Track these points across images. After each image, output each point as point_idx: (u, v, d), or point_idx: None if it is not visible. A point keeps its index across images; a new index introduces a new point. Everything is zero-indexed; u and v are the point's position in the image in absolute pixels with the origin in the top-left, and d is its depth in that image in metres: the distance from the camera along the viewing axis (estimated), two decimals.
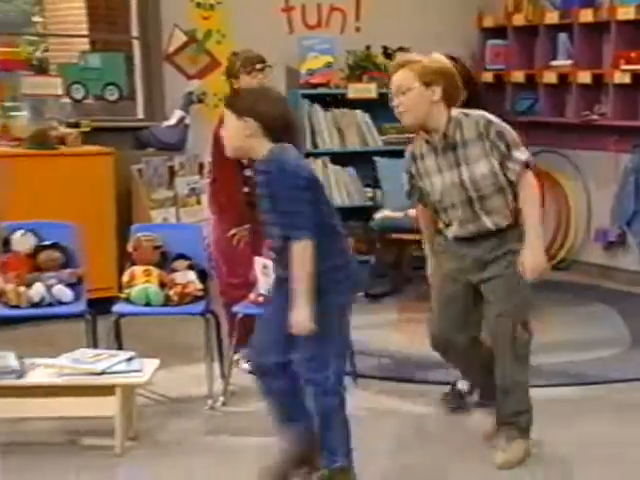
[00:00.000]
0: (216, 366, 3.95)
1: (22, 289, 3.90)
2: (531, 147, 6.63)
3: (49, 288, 3.94)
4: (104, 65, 5.70)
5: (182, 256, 4.05)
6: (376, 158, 6.01)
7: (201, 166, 5.83)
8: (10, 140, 5.19)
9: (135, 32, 5.95)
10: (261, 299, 3.86)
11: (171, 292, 3.91)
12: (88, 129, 5.40)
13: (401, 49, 6.29)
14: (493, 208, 3.10)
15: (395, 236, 5.63)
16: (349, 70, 6.27)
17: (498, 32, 6.63)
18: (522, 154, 3.06)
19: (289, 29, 6.23)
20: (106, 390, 3.28)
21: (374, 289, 5.51)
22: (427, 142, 3.13)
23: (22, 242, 4.03)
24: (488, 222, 3.11)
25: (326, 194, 2.91)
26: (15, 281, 3.91)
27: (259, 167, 2.83)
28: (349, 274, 2.87)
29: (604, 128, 5.99)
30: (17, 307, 3.88)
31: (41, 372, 3.36)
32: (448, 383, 3.83)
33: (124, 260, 4.19)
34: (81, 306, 3.93)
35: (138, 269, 3.98)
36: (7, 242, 4.03)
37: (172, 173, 5.67)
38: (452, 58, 3.30)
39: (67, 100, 5.55)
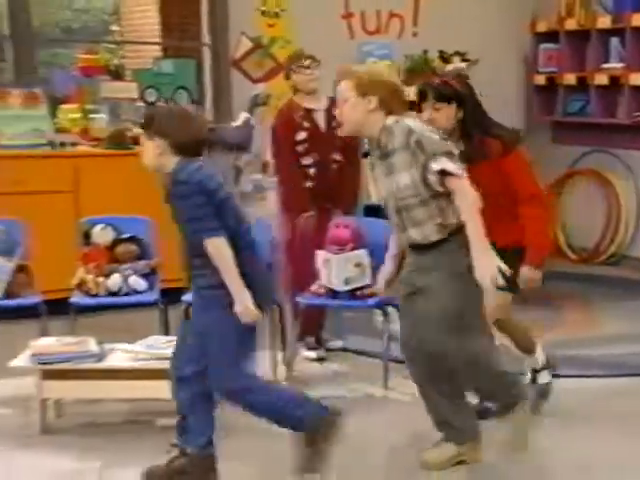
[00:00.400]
0: (280, 353, 4.00)
1: (101, 279, 3.99)
2: (582, 147, 6.62)
3: (126, 278, 4.02)
4: (176, 70, 5.79)
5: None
6: None
7: (265, 165, 5.89)
8: (90, 140, 5.30)
9: (206, 39, 6.04)
10: (322, 290, 3.90)
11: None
12: None
13: (457, 53, 6.29)
14: (418, 220, 2.91)
15: None
16: (406, 74, 6.25)
17: (551, 36, 6.55)
18: (440, 164, 2.80)
19: (349, 35, 6.24)
20: None
21: None
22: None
23: (101, 235, 4.12)
24: (414, 234, 2.93)
25: (233, 206, 2.88)
26: (95, 272, 4.01)
27: (166, 183, 2.87)
28: (253, 283, 2.83)
29: None
30: (96, 296, 3.98)
31: (119, 356, 3.42)
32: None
33: None
34: (155, 295, 4.01)
35: None
36: (88, 235, 4.13)
37: (238, 171, 5.73)
38: (458, 77, 3.33)
39: (141, 103, 5.65)
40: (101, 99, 5.46)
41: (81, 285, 3.97)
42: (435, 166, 2.80)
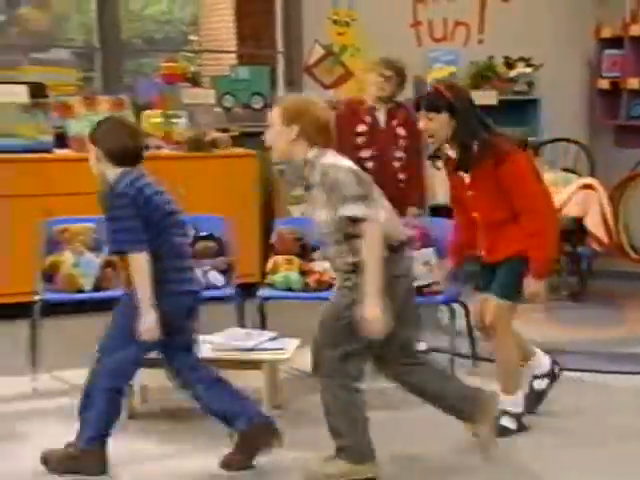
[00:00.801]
0: None
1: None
2: None
3: (205, 274, 4.07)
4: (252, 77, 5.84)
5: (319, 247, 4.11)
6: None
7: None
8: (171, 144, 5.39)
9: (280, 47, 6.09)
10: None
11: (310, 279, 3.98)
12: (237, 134, 5.55)
13: (522, 59, 6.22)
14: (331, 256, 2.85)
15: None
16: (471, 79, 6.21)
17: (615, 42, 6.41)
18: (347, 210, 2.68)
19: (417, 42, 6.24)
20: (254, 365, 3.38)
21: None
22: None
23: None
24: (330, 268, 2.90)
25: (169, 216, 2.90)
26: None
27: (104, 188, 2.92)
28: (171, 301, 2.87)
29: None
30: None
31: (200, 347, 3.46)
32: (568, 369, 3.73)
33: (267, 250, 4.29)
34: (231, 290, 4.05)
35: (280, 258, 4.07)
36: None
37: None
38: (450, 86, 3.19)
39: (219, 109, 5.72)
40: (181, 105, 5.55)
41: None
42: (342, 211, 2.70)
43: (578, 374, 3.87)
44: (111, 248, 2.91)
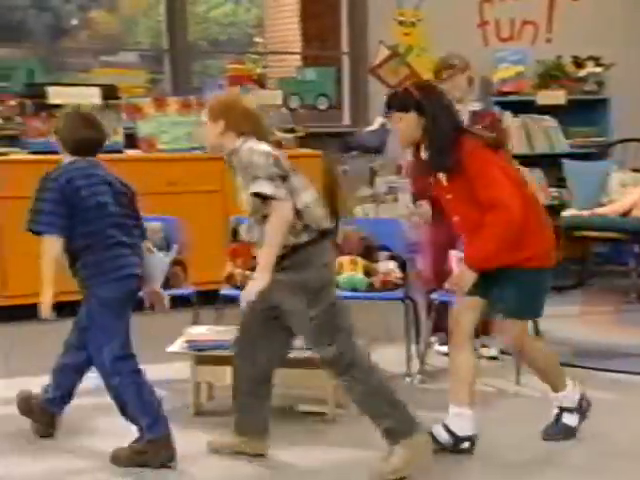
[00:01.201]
0: (413, 347, 4.00)
1: (248, 273, 4.09)
2: None
3: None
4: (318, 78, 5.88)
5: (384, 247, 4.12)
6: (564, 160, 5.86)
7: (399, 167, 5.89)
8: None
9: (345, 48, 6.11)
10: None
11: (374, 280, 3.99)
12: (302, 134, 5.59)
13: (591, 58, 6.12)
14: (256, 239, 2.93)
15: (581, 233, 5.46)
16: (538, 78, 6.14)
17: None
18: (256, 187, 2.78)
19: (484, 42, 6.19)
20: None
21: (559, 282, 5.37)
22: None
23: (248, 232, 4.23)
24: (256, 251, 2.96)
25: (102, 207, 2.98)
26: (242, 266, 4.12)
27: None
28: (119, 275, 2.97)
29: None
30: (244, 288, 4.09)
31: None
32: (636, 373, 3.66)
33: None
34: None
35: (345, 259, 4.08)
36: (236, 232, 4.25)
37: (373, 173, 5.77)
38: (420, 85, 3.12)
39: (284, 109, 5.77)
40: None
41: (230, 278, 4.09)
42: (252, 188, 2.79)
43: None
44: (27, 226, 2.97)
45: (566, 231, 5.53)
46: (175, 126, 5.27)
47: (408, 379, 3.85)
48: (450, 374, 3.14)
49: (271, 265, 2.79)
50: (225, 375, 3.44)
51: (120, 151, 5.13)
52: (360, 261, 4.06)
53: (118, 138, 5.14)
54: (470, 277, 2.97)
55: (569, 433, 3.19)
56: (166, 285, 4.05)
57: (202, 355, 3.45)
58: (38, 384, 3.30)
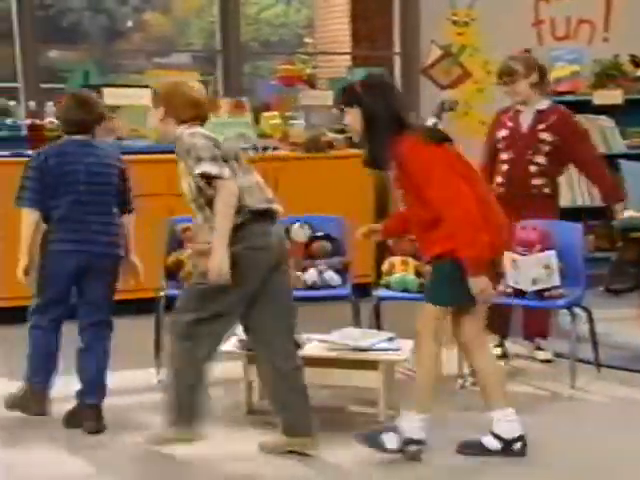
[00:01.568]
0: None
1: (299, 273, 4.12)
2: None
3: (320, 273, 4.13)
4: None
5: None
6: (621, 161, 5.76)
7: None
8: (289, 145, 5.49)
9: (397, 48, 6.10)
10: (509, 290, 3.84)
11: (426, 280, 3.97)
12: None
13: None
14: (199, 225, 2.98)
15: (638, 235, 5.37)
16: (595, 78, 6.04)
17: None
18: (200, 168, 2.83)
19: (538, 41, 6.12)
20: (370, 364, 3.38)
21: (616, 285, 5.29)
22: None
23: (299, 233, 4.25)
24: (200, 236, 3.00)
25: (69, 184, 3.24)
26: (293, 266, 4.14)
27: None
28: (60, 249, 3.23)
29: None
30: (295, 289, 4.10)
31: (315, 346, 3.49)
32: None
33: (383, 251, 4.29)
34: (347, 290, 4.08)
35: (396, 259, 4.07)
36: (287, 232, 4.26)
37: None
38: (364, 81, 3.11)
39: (335, 110, 5.78)
40: (299, 106, 5.63)
41: None
42: (196, 170, 2.85)
43: None
44: (14, 203, 3.29)
45: (623, 233, 5.46)
46: (227, 127, 5.31)
47: (460, 381, 3.82)
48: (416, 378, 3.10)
49: (226, 239, 2.85)
50: None
51: (173, 151, 5.17)
52: (411, 262, 4.04)
53: None
54: (482, 281, 2.90)
55: (483, 453, 3.05)
56: None
57: (254, 354, 3.46)
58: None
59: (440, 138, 3.02)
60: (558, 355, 4.11)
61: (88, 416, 3.29)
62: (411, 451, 3.02)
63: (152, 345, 3.92)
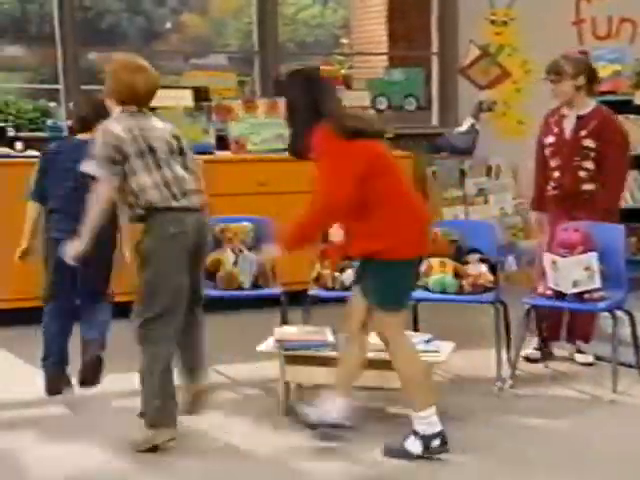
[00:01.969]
0: (504, 351, 3.94)
1: (336, 274, 4.12)
2: None
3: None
4: (405, 79, 5.86)
5: (474, 250, 4.07)
6: None
7: (489, 168, 5.82)
8: None
9: (434, 48, 6.07)
10: (549, 292, 3.80)
11: (464, 282, 3.95)
12: (391, 135, 5.57)
13: None
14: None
15: None
16: (636, 77, 5.96)
17: None
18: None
19: (579, 41, 6.06)
20: None
21: None
22: None
23: (337, 234, 4.26)
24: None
25: (62, 177, 3.47)
26: (330, 267, 4.14)
27: None
28: (64, 219, 3.41)
29: None
30: (332, 289, 4.11)
31: None
32: None
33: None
34: None
35: (435, 260, 4.04)
36: (325, 234, 4.27)
37: (462, 175, 5.72)
38: (291, 72, 3.22)
39: (372, 111, 5.77)
40: None
41: (318, 279, 4.12)
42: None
43: None
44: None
45: None
46: (264, 127, 5.34)
47: (498, 384, 3.79)
48: (400, 381, 3.10)
49: (87, 234, 3.05)
50: (314, 375, 3.47)
51: (211, 152, 5.22)
52: (450, 263, 4.02)
53: (209, 139, 5.24)
54: (274, 251, 3.13)
55: (407, 457, 3.04)
56: (255, 284, 4.12)
57: (291, 355, 3.48)
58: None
59: (352, 132, 2.94)
60: (599, 358, 4.06)
61: (87, 350, 3.55)
62: (435, 446, 3.01)
63: None
